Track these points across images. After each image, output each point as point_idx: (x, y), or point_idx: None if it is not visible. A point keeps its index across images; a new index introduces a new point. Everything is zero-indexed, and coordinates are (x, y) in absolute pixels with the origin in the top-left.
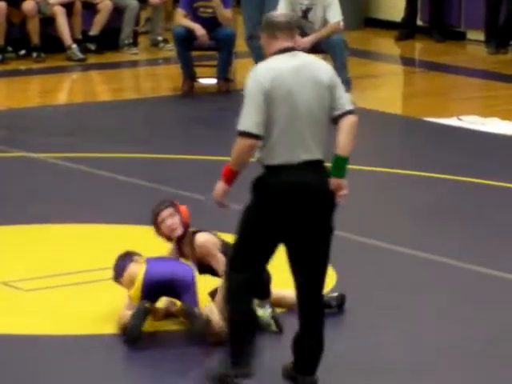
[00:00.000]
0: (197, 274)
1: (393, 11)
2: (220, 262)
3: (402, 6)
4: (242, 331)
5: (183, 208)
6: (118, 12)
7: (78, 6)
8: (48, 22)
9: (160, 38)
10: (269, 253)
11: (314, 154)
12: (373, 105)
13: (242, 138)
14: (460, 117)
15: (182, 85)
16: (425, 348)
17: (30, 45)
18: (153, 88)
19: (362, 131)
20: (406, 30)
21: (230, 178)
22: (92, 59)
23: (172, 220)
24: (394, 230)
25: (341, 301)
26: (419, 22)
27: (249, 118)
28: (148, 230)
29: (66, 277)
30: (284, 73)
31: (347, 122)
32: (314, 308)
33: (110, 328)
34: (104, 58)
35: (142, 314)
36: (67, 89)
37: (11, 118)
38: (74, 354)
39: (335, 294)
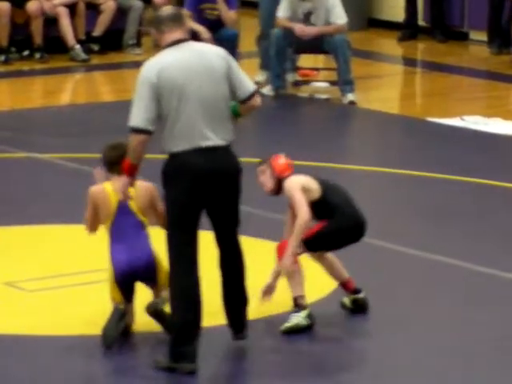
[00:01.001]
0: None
1: (395, 12)
2: (297, 204)
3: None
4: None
5: (277, 160)
6: (121, 12)
7: (82, 6)
8: (51, 22)
9: None
10: (196, 222)
11: (213, 141)
12: (375, 105)
13: (133, 133)
14: (463, 117)
15: None
16: (436, 349)
17: (33, 45)
18: None
19: (364, 131)
20: (408, 30)
21: (131, 170)
22: (95, 60)
23: (261, 177)
24: (398, 230)
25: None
26: (421, 23)
27: (138, 114)
28: (152, 231)
29: (70, 277)
30: (172, 65)
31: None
32: (233, 263)
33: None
34: (107, 59)
35: (116, 317)
36: (70, 89)
37: (14, 119)
38: (77, 355)
39: (360, 296)
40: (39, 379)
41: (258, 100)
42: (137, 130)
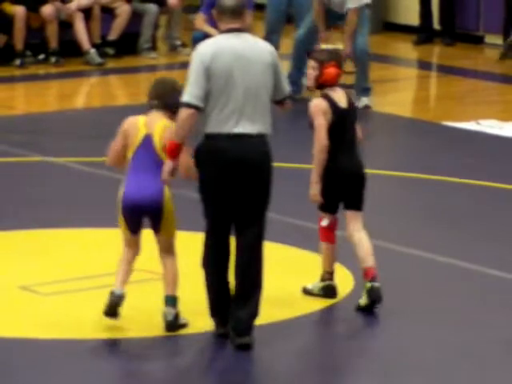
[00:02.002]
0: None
1: (411, 16)
2: (316, 129)
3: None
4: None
5: (328, 68)
6: (136, 16)
7: (97, 10)
8: (67, 26)
9: (178, 43)
10: (225, 205)
11: (247, 129)
12: (391, 109)
13: (183, 108)
14: (478, 121)
15: None
16: (448, 349)
17: (48, 49)
18: None
19: (379, 135)
20: (423, 34)
21: (175, 152)
22: (110, 64)
23: (309, 71)
24: (413, 233)
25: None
26: (437, 27)
27: (190, 91)
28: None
29: (85, 281)
30: (224, 50)
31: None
32: (249, 273)
33: (130, 332)
34: (122, 63)
35: (113, 304)
36: (85, 93)
37: (30, 123)
38: (91, 358)
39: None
40: (52, 383)
41: (289, 105)
42: (186, 105)
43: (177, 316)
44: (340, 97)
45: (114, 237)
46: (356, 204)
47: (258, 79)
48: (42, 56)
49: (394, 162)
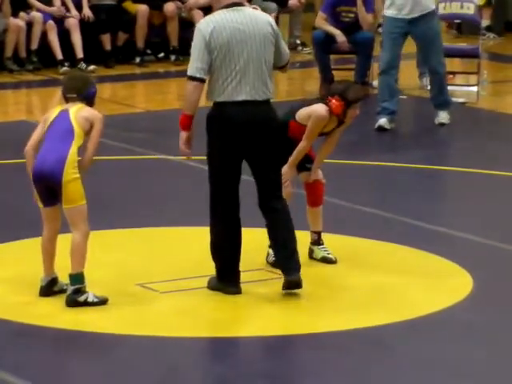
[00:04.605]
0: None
1: None
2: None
3: None
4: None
5: (335, 102)
6: None
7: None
8: (186, 25)
9: (298, 42)
10: (237, 172)
11: (252, 96)
12: None
13: (188, 81)
14: None
15: (319, 88)
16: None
17: (168, 48)
18: (289, 91)
19: (501, 136)
20: None
21: (186, 123)
22: None
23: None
24: None
25: None
26: None
27: (192, 65)
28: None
29: (202, 279)
30: (224, 25)
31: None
32: (275, 210)
33: (246, 331)
34: None
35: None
36: (204, 92)
37: (150, 121)
38: (209, 356)
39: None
40: (168, 379)
41: (286, 70)
42: (190, 78)
43: (76, 291)
44: None
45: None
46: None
47: (258, 50)
48: (162, 54)
49: None
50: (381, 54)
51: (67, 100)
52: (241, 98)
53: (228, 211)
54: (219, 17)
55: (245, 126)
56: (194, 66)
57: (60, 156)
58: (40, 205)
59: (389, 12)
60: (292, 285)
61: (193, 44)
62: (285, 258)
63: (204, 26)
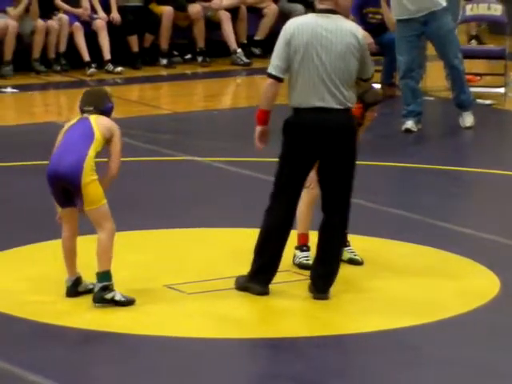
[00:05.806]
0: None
1: None
2: None
3: None
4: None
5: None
6: (283, 16)
7: (244, 10)
8: (214, 26)
9: None
10: (302, 177)
11: (328, 103)
12: None
13: (267, 78)
14: None
15: None
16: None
17: (195, 49)
18: None
19: None
20: None
21: (261, 118)
22: (257, 64)
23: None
24: None
25: None
26: None
27: (272, 62)
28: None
29: (228, 280)
30: (306, 27)
31: None
32: (333, 231)
33: (273, 332)
34: (269, 63)
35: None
36: (232, 93)
37: (176, 122)
38: (236, 358)
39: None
40: (194, 381)
41: (370, 83)
42: (269, 75)
43: (104, 289)
44: None
45: (255, 237)
46: None
47: (337, 58)
48: (188, 56)
49: None
50: (397, 58)
51: (83, 113)
52: (316, 104)
53: (286, 207)
54: (307, 19)
55: (317, 133)
56: (273, 64)
57: (78, 158)
58: (58, 209)
59: (399, 15)
60: (317, 299)
61: (277, 42)
62: (319, 277)
63: (289, 25)
